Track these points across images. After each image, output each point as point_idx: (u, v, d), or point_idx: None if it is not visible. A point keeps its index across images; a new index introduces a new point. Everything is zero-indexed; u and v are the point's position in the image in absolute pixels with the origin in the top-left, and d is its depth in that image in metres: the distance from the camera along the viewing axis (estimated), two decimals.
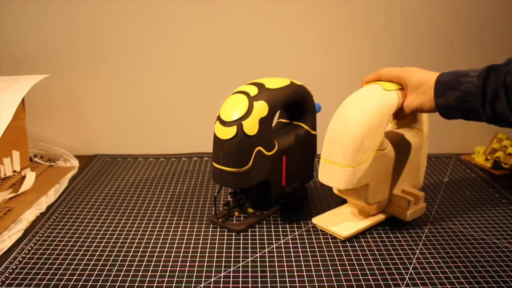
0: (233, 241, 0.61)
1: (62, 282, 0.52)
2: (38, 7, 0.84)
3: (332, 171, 0.59)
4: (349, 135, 0.57)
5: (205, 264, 0.56)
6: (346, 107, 0.59)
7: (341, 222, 0.63)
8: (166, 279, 0.53)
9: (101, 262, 0.56)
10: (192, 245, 0.60)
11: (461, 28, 0.86)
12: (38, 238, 0.61)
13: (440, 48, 0.88)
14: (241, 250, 0.59)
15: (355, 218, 0.65)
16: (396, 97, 0.60)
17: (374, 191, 0.61)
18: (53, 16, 0.84)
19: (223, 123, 0.60)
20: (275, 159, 0.64)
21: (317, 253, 0.58)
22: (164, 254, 0.58)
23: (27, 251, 0.58)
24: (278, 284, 0.52)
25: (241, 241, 0.61)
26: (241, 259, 0.57)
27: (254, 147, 0.60)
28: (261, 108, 0.60)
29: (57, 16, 0.84)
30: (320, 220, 0.64)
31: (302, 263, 0.56)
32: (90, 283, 0.52)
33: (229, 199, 0.67)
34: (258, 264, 0.56)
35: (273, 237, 0.62)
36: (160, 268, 0.55)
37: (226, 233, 0.63)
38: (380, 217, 0.65)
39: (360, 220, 0.64)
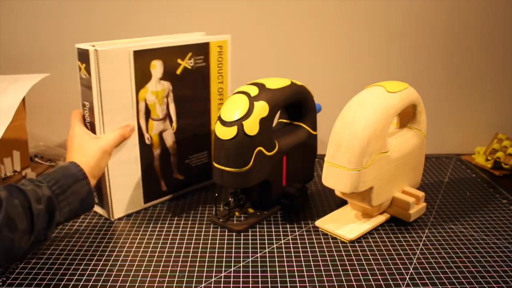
0: (234, 241, 0.61)
1: (63, 282, 0.52)
2: (38, 7, 0.84)
3: (337, 175, 0.59)
4: (355, 139, 0.57)
5: (206, 264, 0.56)
6: (351, 110, 0.59)
7: (345, 225, 0.63)
8: (166, 279, 0.53)
9: (101, 262, 0.56)
10: (192, 245, 0.60)
11: (465, 30, 0.86)
12: None
13: (441, 48, 0.88)
14: (241, 250, 0.59)
15: (358, 220, 0.65)
16: (400, 99, 0.60)
17: (377, 193, 0.61)
18: (54, 16, 0.84)
19: (224, 123, 0.60)
20: (276, 159, 0.64)
21: (318, 253, 0.58)
22: (165, 254, 0.58)
23: None
24: (279, 284, 0.52)
25: (242, 241, 0.61)
26: (241, 259, 0.57)
27: (254, 147, 0.60)
28: (261, 108, 0.60)
29: (57, 15, 0.84)
30: (324, 223, 0.64)
31: (303, 263, 0.56)
32: (91, 282, 0.52)
33: (230, 199, 0.67)
34: (259, 264, 0.56)
35: (274, 237, 0.62)
36: (160, 268, 0.55)
37: (226, 233, 0.63)
38: (382, 218, 0.65)
39: (363, 222, 0.64)
